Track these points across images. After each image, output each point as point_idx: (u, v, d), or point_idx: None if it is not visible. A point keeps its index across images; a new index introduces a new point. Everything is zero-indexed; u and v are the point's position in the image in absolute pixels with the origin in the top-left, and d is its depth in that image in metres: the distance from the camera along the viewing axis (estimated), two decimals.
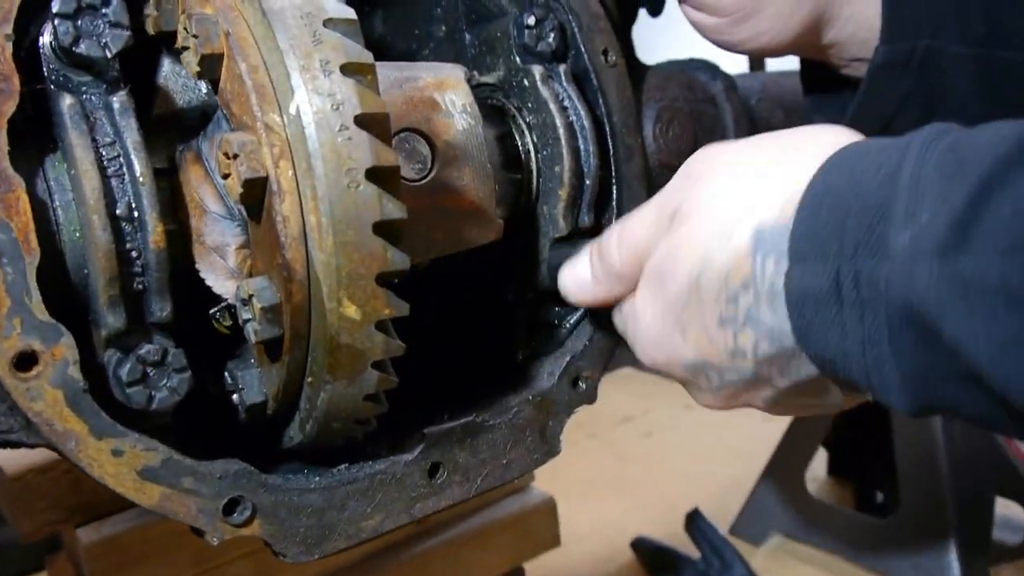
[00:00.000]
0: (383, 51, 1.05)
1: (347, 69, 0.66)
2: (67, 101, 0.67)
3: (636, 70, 1.16)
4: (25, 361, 0.66)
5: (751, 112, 1.21)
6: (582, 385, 0.96)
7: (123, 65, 0.71)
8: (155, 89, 0.81)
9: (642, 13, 1.21)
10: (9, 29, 0.65)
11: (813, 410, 0.73)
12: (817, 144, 0.64)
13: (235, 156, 0.66)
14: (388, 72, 0.84)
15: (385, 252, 0.68)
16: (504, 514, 1.46)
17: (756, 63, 1.38)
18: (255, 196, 0.67)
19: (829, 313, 0.58)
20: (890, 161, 0.58)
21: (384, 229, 0.67)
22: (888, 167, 0.57)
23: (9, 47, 0.65)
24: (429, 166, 0.83)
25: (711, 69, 1.18)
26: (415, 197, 0.82)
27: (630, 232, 0.77)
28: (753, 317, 0.65)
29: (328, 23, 0.67)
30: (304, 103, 0.65)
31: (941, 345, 0.52)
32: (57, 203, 0.70)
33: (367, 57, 0.67)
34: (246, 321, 0.71)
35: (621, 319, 0.81)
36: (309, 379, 0.74)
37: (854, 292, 0.56)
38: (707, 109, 1.14)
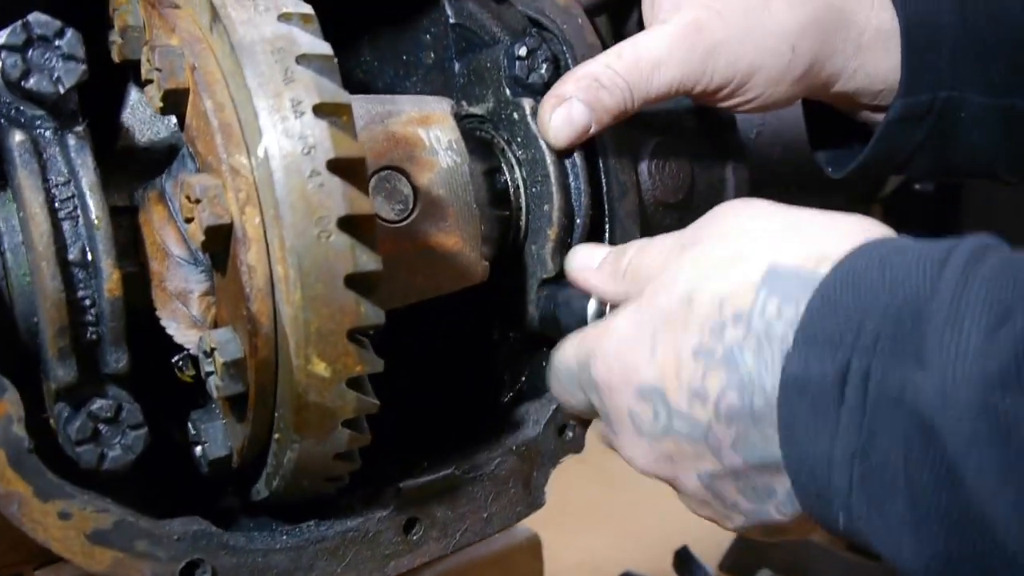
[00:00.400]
0: (369, 79, 1.01)
1: (320, 110, 0.62)
2: (17, 138, 0.63)
3: None
4: None
5: (750, 146, 1.17)
6: (569, 433, 0.91)
7: (86, 94, 0.66)
8: (119, 121, 0.77)
9: None
10: None
11: (742, 521, 0.65)
12: (852, 228, 0.60)
13: (197, 200, 0.61)
14: (370, 106, 0.79)
15: (357, 306, 0.63)
16: (486, 552, 1.41)
17: None
18: (219, 243, 0.63)
19: (824, 407, 0.52)
20: (930, 260, 0.52)
21: (357, 282, 0.62)
22: (928, 266, 0.52)
23: None
24: (411, 207, 0.78)
25: None
26: (394, 240, 0.77)
27: (648, 249, 0.74)
28: (732, 358, 0.58)
29: (301, 59, 0.62)
30: (273, 146, 0.61)
31: (964, 489, 0.46)
32: (5, 246, 0.65)
33: (343, 97, 0.63)
34: (208, 375, 0.66)
35: (592, 335, 0.74)
36: (276, 436, 0.69)
37: (861, 392, 0.50)
38: (703, 143, 1.10)
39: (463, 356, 1.02)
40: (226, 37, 0.63)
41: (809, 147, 1.20)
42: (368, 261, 0.63)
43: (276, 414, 0.68)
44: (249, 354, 0.64)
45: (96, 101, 0.74)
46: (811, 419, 0.53)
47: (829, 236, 0.59)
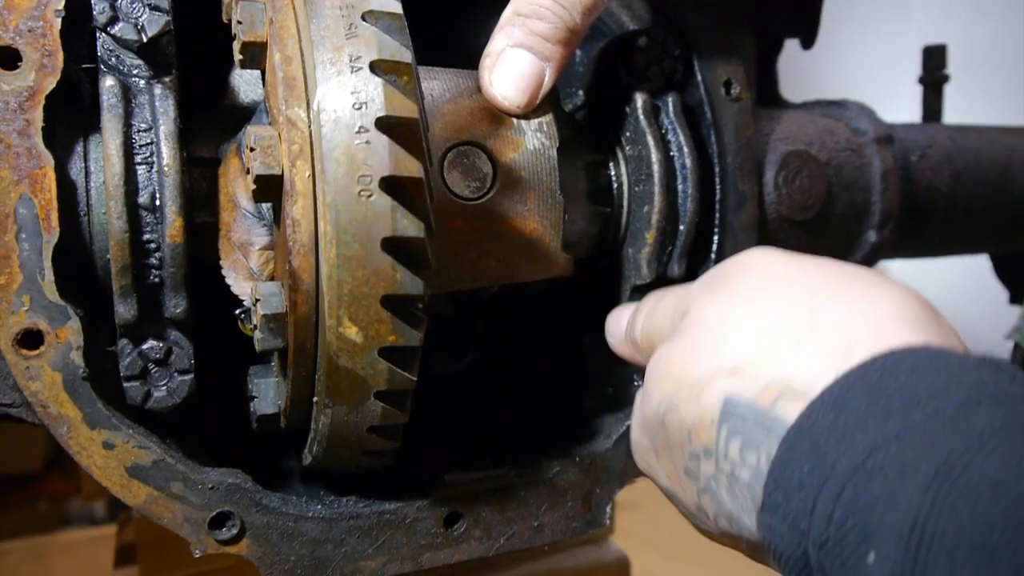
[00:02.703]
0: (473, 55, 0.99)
1: (378, 67, 0.60)
2: (107, 82, 0.66)
3: (775, 107, 1.03)
4: (30, 339, 0.65)
5: (908, 169, 1.04)
6: None
7: (208, 53, 0.69)
8: (228, 79, 0.80)
9: (792, 44, 1.08)
10: (60, 5, 0.65)
11: None
12: (868, 324, 0.51)
13: (252, 149, 0.61)
14: (460, 79, 0.77)
15: (394, 272, 0.60)
16: (572, 565, 1.35)
17: (930, 113, 1.19)
18: (268, 195, 0.62)
19: None
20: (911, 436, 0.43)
21: (395, 246, 0.60)
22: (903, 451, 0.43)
23: (58, 23, 0.65)
24: (489, 185, 0.75)
25: (865, 114, 1.03)
26: (467, 217, 0.74)
27: (652, 313, 0.71)
28: (713, 491, 0.56)
29: (368, 15, 0.61)
30: (326, 99, 0.60)
31: None
32: (92, 185, 0.68)
33: (404, 55, 0.61)
34: (253, 327, 0.66)
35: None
36: (315, 399, 0.68)
37: None
38: (850, 159, 0.99)
39: (553, 356, 0.98)
40: None
41: (979, 175, 1.06)
42: (409, 226, 0.60)
43: (316, 376, 0.67)
44: (289, 309, 0.63)
45: (217, 60, 0.78)
46: None
47: (811, 359, 0.51)
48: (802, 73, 1.31)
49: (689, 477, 0.58)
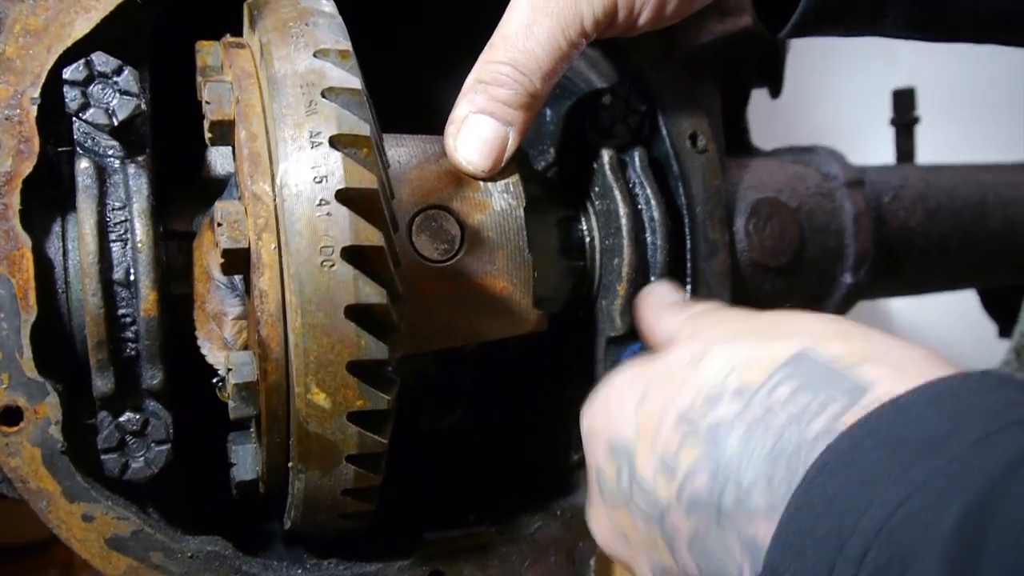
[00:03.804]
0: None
1: (337, 141, 0.62)
2: (82, 164, 0.69)
3: (745, 155, 1.06)
4: (9, 416, 0.67)
5: (881, 210, 1.06)
6: None
7: (184, 130, 0.72)
8: (204, 154, 0.82)
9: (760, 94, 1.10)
10: (36, 93, 0.68)
11: None
12: (917, 358, 0.49)
13: (219, 225, 0.63)
14: (427, 145, 0.79)
15: (358, 339, 0.62)
16: None
17: (903, 155, 1.21)
18: (237, 267, 0.64)
19: None
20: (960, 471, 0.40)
21: (359, 313, 0.62)
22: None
23: (34, 110, 0.68)
24: (457, 247, 0.77)
25: (834, 159, 1.05)
26: (436, 280, 0.76)
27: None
28: (715, 436, 0.51)
29: (328, 92, 0.64)
30: (288, 174, 0.62)
31: None
32: (69, 263, 0.71)
33: (363, 128, 0.63)
34: (228, 396, 0.68)
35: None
36: (290, 464, 0.69)
37: None
38: (820, 204, 1.00)
39: (534, 409, 0.99)
40: (265, 71, 0.66)
41: (954, 212, 1.07)
42: (372, 293, 0.62)
43: (289, 442, 0.68)
44: (260, 378, 0.65)
45: (195, 136, 0.81)
46: None
47: (890, 353, 0.49)
48: (780, 119, 1.34)
49: (679, 424, 0.53)
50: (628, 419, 0.57)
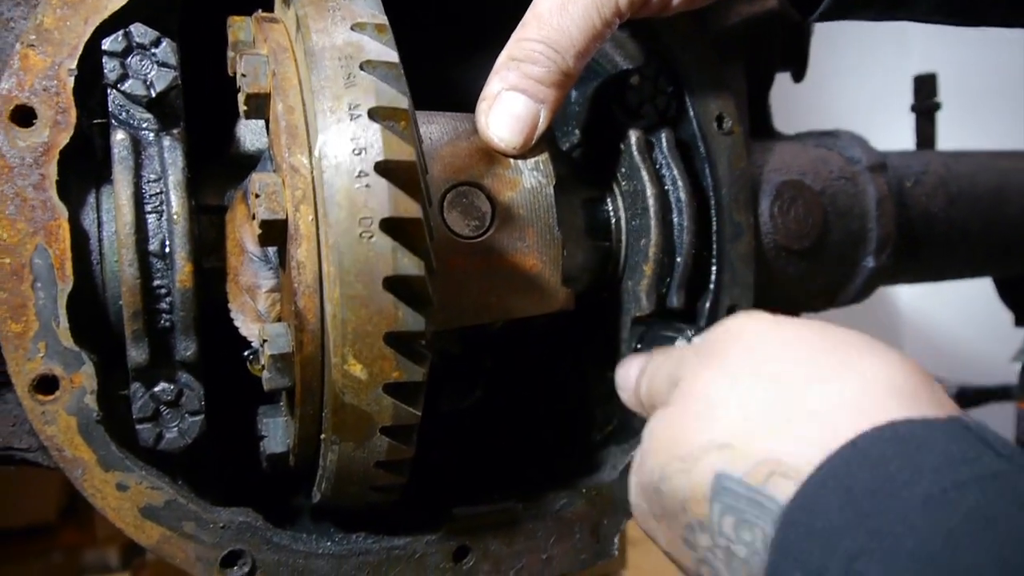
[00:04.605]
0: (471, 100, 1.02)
1: (376, 113, 0.63)
2: (118, 136, 0.69)
3: (768, 139, 1.06)
4: (45, 385, 0.67)
5: (903, 195, 1.06)
6: None
7: (217, 106, 0.72)
8: (234, 130, 0.83)
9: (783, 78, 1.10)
10: (73, 64, 0.68)
11: None
12: (854, 399, 0.51)
13: (257, 196, 0.64)
14: (457, 123, 0.80)
15: (396, 310, 0.62)
16: None
17: (924, 141, 1.21)
18: (273, 239, 0.65)
19: None
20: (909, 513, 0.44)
21: (397, 285, 0.62)
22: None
23: (71, 82, 0.68)
24: (488, 224, 0.77)
25: (857, 143, 1.05)
26: (467, 256, 0.76)
27: (653, 376, 0.70)
28: (711, 562, 0.56)
29: (366, 65, 0.64)
30: (327, 146, 0.62)
31: None
32: (104, 234, 0.71)
33: (401, 102, 0.63)
34: (261, 367, 0.68)
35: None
36: (323, 436, 0.70)
37: None
38: (844, 188, 1.00)
39: (558, 389, 0.99)
40: (302, 45, 0.66)
41: (975, 199, 1.07)
42: (410, 265, 0.62)
43: (323, 414, 0.68)
44: (295, 349, 0.65)
45: (225, 111, 0.81)
46: None
47: (808, 429, 0.52)
48: (799, 105, 1.34)
49: (687, 546, 0.58)
50: (659, 534, 0.63)
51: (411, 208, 0.62)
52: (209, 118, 0.80)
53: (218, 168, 0.78)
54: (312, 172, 0.64)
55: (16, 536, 2.56)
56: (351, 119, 0.62)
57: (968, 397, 1.45)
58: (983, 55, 1.98)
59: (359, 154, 0.62)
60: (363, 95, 0.63)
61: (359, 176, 0.62)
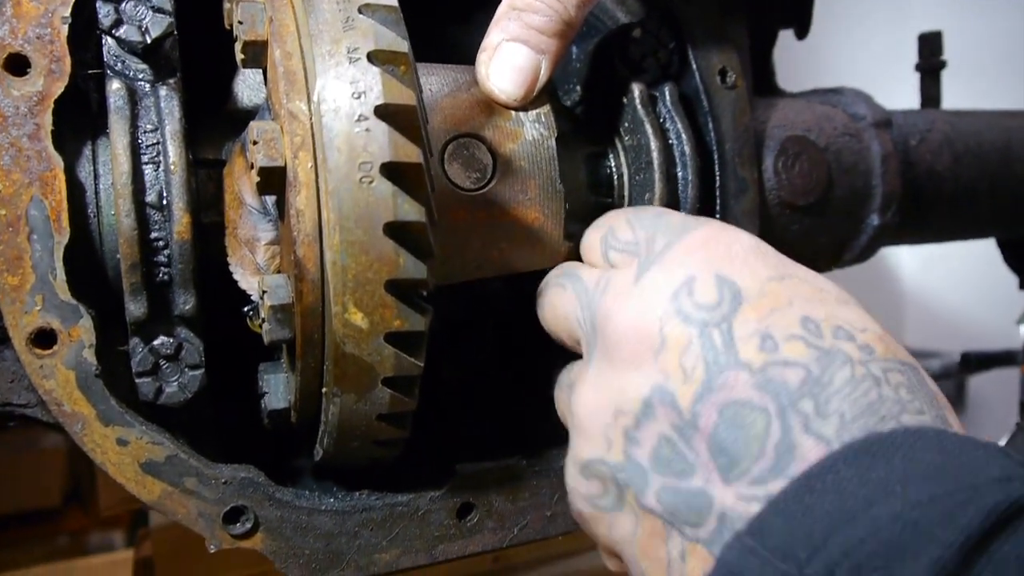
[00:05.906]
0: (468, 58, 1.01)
1: (375, 57, 0.61)
2: (114, 85, 0.67)
3: (772, 96, 1.04)
4: (43, 338, 0.66)
5: (909, 153, 1.05)
6: None
7: (212, 60, 0.70)
8: (231, 86, 0.81)
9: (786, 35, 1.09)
10: (67, 12, 0.66)
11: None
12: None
13: (255, 143, 0.62)
14: (457, 74, 0.78)
15: (397, 257, 0.61)
16: (588, 567, 1.34)
17: (929, 100, 1.20)
18: (272, 187, 0.64)
19: None
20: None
21: (398, 231, 0.61)
22: None
23: (65, 30, 0.66)
24: (489, 176, 0.76)
25: (862, 100, 1.04)
26: (469, 208, 0.75)
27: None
28: None
29: (364, 8, 0.63)
30: (325, 90, 0.61)
31: None
32: (100, 187, 0.70)
33: (400, 45, 0.62)
34: (261, 320, 0.67)
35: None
36: (324, 389, 0.69)
37: None
38: (849, 144, 0.99)
39: (561, 349, 0.98)
40: None
41: (980, 157, 1.06)
42: (410, 211, 0.61)
43: (324, 366, 0.67)
44: (295, 299, 0.64)
45: (220, 67, 0.80)
46: None
47: None
48: (800, 64, 1.32)
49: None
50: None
51: (411, 153, 0.61)
52: (206, 77, 0.79)
53: (215, 122, 0.77)
54: (311, 118, 0.63)
55: (21, 520, 2.56)
56: (350, 62, 0.61)
57: (972, 363, 1.44)
58: (986, 18, 1.96)
59: (358, 98, 0.61)
60: (362, 38, 0.62)
61: (359, 120, 0.60)
